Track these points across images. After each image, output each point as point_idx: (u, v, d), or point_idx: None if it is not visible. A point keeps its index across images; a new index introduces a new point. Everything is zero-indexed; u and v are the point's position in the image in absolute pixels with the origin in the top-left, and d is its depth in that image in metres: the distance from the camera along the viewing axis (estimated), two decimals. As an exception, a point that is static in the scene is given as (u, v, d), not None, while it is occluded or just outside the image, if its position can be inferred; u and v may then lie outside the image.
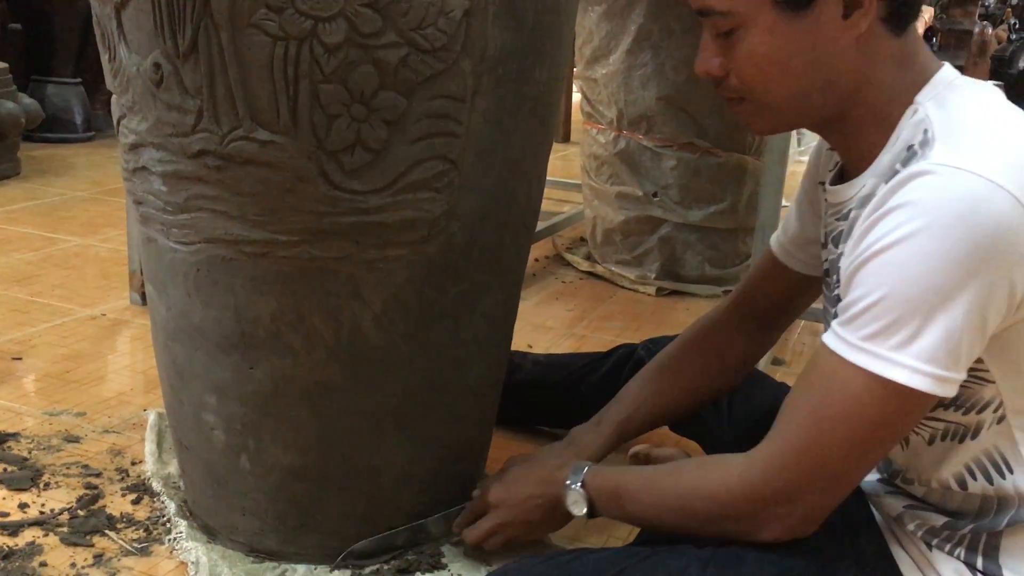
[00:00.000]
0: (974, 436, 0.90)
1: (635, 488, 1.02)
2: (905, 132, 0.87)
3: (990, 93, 0.89)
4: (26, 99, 3.48)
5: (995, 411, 0.89)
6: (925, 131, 0.84)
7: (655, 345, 1.51)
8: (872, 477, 1.05)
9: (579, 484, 1.06)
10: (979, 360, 0.86)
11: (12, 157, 3.38)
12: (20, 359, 1.82)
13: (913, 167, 0.81)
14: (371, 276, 1.07)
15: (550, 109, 1.18)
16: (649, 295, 2.49)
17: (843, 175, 0.98)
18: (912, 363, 0.81)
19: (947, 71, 0.90)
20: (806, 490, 0.89)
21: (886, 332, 0.81)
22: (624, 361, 1.52)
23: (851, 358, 0.83)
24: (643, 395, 1.26)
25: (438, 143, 1.03)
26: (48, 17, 3.97)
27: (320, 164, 1.00)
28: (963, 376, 0.83)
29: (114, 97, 1.12)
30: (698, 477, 0.98)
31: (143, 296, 2.13)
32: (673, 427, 1.42)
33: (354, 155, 1.00)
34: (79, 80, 4.13)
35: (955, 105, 0.86)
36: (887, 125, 0.89)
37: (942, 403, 0.90)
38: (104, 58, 1.11)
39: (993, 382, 0.87)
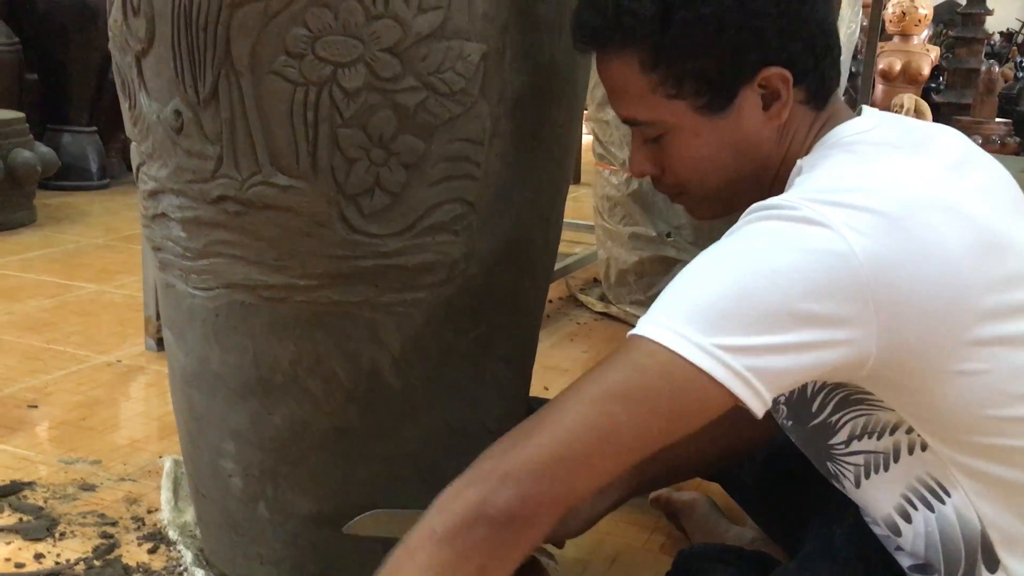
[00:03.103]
0: (896, 459, 0.88)
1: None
2: (788, 187, 0.88)
3: (881, 148, 0.86)
4: (42, 148, 3.51)
5: (908, 433, 0.87)
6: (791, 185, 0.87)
7: None
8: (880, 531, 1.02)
9: None
10: (869, 393, 0.85)
11: (28, 205, 3.41)
12: (36, 407, 1.81)
13: (754, 204, 0.82)
14: (390, 319, 1.06)
15: (566, 151, 1.18)
16: (664, 336, 2.47)
17: None
18: (673, 324, 0.75)
19: (850, 126, 0.89)
20: (521, 448, 0.75)
21: (663, 309, 0.77)
22: None
23: (638, 330, 0.77)
24: None
25: (456, 185, 1.03)
26: (64, 67, 4.02)
27: (339, 208, 1.00)
28: (757, 383, 0.75)
29: (133, 144, 1.13)
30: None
31: (158, 342, 2.13)
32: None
33: (373, 198, 1.00)
34: (94, 128, 4.18)
35: (830, 159, 0.86)
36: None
37: (854, 434, 0.89)
38: (124, 106, 1.12)
39: (892, 409, 0.86)
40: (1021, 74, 7.63)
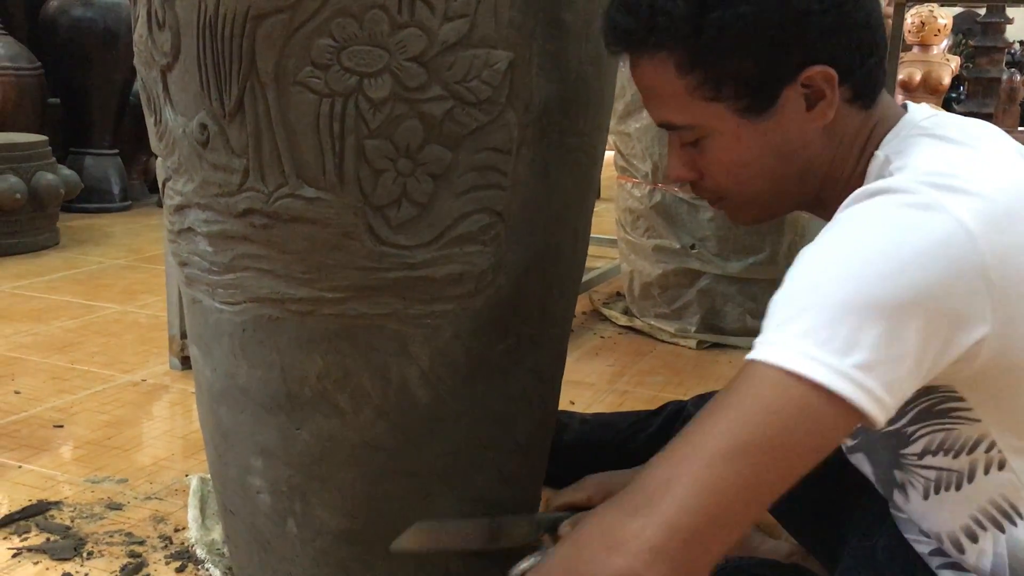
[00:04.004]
0: (971, 479, 0.86)
1: None
2: (870, 177, 0.85)
3: (960, 132, 0.84)
4: (65, 170, 3.54)
5: (987, 451, 0.84)
6: (886, 171, 0.83)
7: (704, 402, 1.48)
8: (922, 549, 1.00)
9: None
10: (960, 399, 0.82)
11: (51, 227, 3.43)
12: (61, 427, 1.81)
13: (861, 188, 0.78)
14: (418, 332, 1.05)
15: (594, 160, 1.16)
16: (690, 348, 2.45)
17: None
18: (802, 347, 0.70)
19: (913, 115, 0.87)
20: (666, 509, 0.70)
21: (790, 324, 0.72)
22: (673, 419, 1.49)
23: (754, 354, 0.73)
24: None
25: (484, 196, 1.02)
26: (86, 91, 4.06)
27: (366, 220, 0.99)
28: (880, 391, 0.71)
29: (159, 160, 1.12)
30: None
31: (183, 361, 2.13)
32: None
33: (400, 210, 0.99)
34: (116, 151, 4.21)
35: (918, 144, 0.83)
36: (855, 183, 0.87)
37: (928, 449, 0.86)
38: (149, 121, 1.11)
39: (979, 420, 0.83)
40: (1042, 82, 7.55)
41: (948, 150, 0.81)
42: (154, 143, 1.12)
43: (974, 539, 0.88)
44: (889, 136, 0.87)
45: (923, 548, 0.98)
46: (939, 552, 0.96)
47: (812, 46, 0.83)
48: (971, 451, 0.84)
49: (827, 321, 0.71)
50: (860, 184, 0.86)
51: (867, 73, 0.86)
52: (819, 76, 0.83)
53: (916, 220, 0.73)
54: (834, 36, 0.83)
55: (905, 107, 0.92)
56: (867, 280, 0.71)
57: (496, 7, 0.96)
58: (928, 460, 0.87)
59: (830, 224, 0.78)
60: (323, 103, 0.95)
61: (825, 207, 0.91)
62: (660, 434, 1.47)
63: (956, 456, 0.85)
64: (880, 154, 0.85)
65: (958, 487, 0.87)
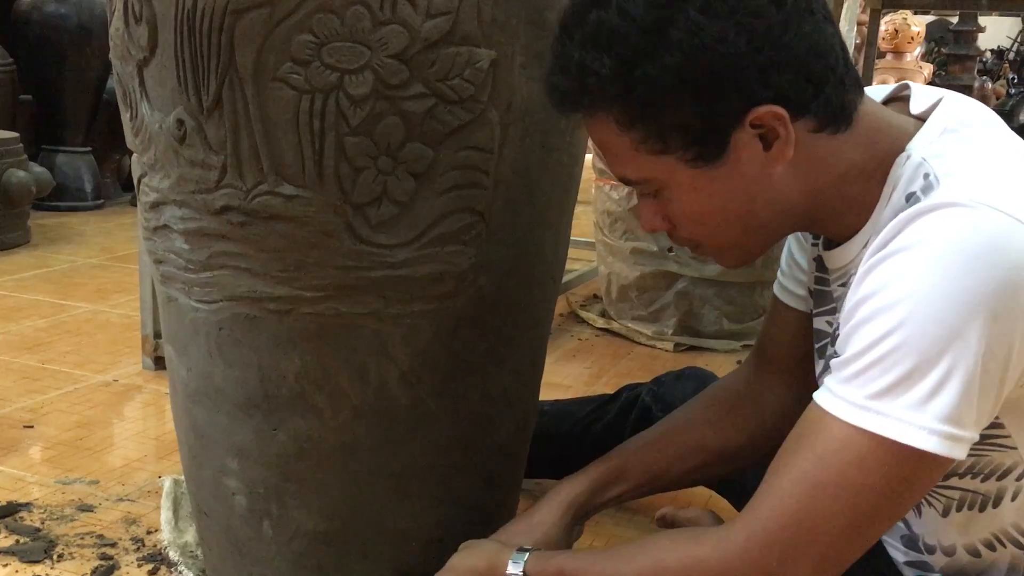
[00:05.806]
0: (996, 505, 0.85)
1: (582, 570, 0.92)
2: (902, 180, 0.80)
3: (992, 131, 0.83)
4: (36, 168, 3.49)
5: (1018, 479, 0.84)
6: (926, 175, 0.78)
7: (659, 387, 1.47)
8: (899, 558, 1.00)
9: (520, 572, 0.96)
10: (998, 426, 0.81)
11: (23, 225, 3.38)
12: (32, 427, 1.78)
13: (918, 205, 0.75)
14: (398, 332, 1.04)
15: (575, 159, 1.16)
16: (667, 351, 2.46)
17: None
18: (928, 423, 0.72)
19: (940, 118, 0.83)
20: (795, 569, 0.79)
21: (896, 389, 0.73)
22: (630, 407, 1.47)
23: (853, 419, 0.74)
24: (634, 446, 1.15)
25: (466, 195, 1.01)
26: (59, 88, 4.01)
27: (346, 218, 0.98)
28: (977, 436, 0.74)
29: (135, 156, 1.10)
30: (662, 554, 0.86)
31: (156, 361, 2.11)
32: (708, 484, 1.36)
33: (380, 208, 0.98)
34: (89, 149, 4.16)
35: (954, 147, 0.80)
36: (874, 185, 0.83)
37: (955, 471, 0.85)
38: (125, 116, 1.10)
39: (1015, 448, 0.82)
40: (1014, 91, 7.66)
41: (993, 159, 0.79)
42: (129, 139, 1.10)
43: (992, 549, 0.88)
44: (921, 134, 0.82)
45: (899, 556, 0.98)
46: (918, 564, 0.96)
47: (751, 88, 0.78)
48: (1001, 477, 0.84)
49: (917, 370, 0.72)
50: (873, 181, 0.82)
51: (826, 102, 0.80)
52: (767, 116, 0.78)
53: (991, 237, 0.72)
54: (774, 74, 0.78)
55: (907, 85, 0.88)
56: (956, 316, 0.71)
57: (479, 5, 0.95)
58: (954, 481, 0.86)
59: (895, 248, 0.75)
60: (303, 99, 0.94)
61: (827, 217, 0.87)
62: (617, 422, 1.46)
63: (984, 480, 0.85)
64: (916, 156, 0.80)
65: (982, 509, 0.86)
